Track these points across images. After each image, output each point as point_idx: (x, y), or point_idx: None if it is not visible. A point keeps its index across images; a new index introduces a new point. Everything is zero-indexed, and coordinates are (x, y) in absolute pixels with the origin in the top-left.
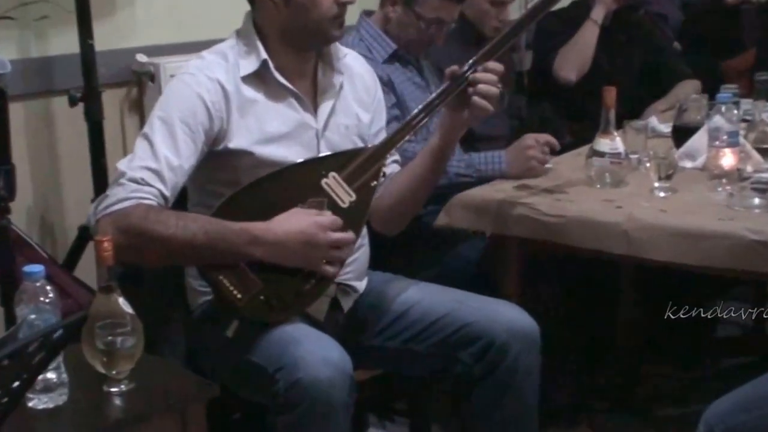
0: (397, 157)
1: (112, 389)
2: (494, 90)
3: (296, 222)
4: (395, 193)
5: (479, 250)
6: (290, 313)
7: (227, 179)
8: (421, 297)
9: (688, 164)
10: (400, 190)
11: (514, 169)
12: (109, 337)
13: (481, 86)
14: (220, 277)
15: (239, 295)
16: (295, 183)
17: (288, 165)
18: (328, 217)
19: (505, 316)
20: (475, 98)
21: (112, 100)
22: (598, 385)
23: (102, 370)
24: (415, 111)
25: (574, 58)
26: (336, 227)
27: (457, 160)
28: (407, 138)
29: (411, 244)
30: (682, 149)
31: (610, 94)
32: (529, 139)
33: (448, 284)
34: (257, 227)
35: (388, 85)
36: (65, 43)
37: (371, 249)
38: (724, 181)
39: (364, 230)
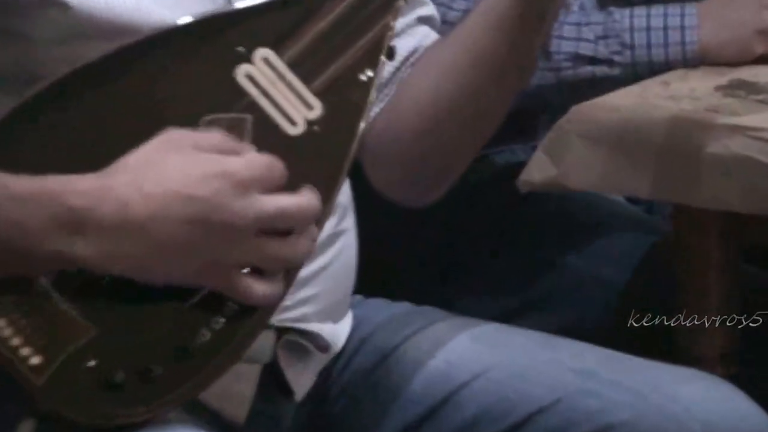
0: (429, 9)
1: None
2: None
3: (173, 170)
4: (432, 95)
5: (634, 251)
6: (162, 403)
7: (7, 69)
8: (489, 360)
9: None
10: (443, 87)
11: (719, 38)
12: None
13: None
14: None
15: (35, 359)
16: (172, 77)
17: (153, 33)
18: (249, 157)
19: (697, 404)
20: None
21: None
22: None
23: None
24: None
25: None
26: (271, 181)
27: (574, 23)
28: None
29: (461, 231)
30: None
31: None
32: None
33: (554, 329)
34: (79, 186)
35: None
36: None
37: (362, 244)
38: None
39: (346, 198)
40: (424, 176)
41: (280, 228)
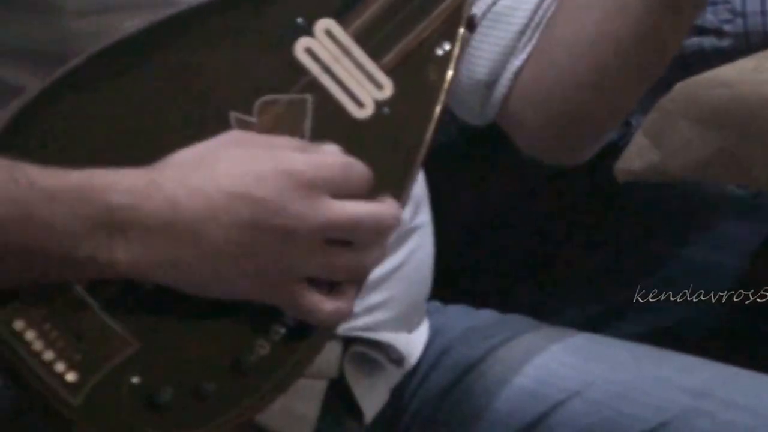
0: None
1: None
2: None
3: (229, 166)
4: (592, 39)
5: (752, 237)
6: (216, 424)
7: (30, 46)
8: (586, 377)
9: None
10: (605, 29)
11: None
12: None
13: None
14: (17, 324)
15: (70, 376)
16: (221, 54)
17: (198, 3)
18: (322, 155)
19: None
20: None
21: None
22: None
23: None
24: None
25: None
26: (347, 185)
27: None
28: None
29: (551, 225)
30: None
31: None
32: None
33: (663, 340)
34: (122, 181)
35: None
36: None
37: (439, 243)
38: None
39: (420, 189)
40: (582, 132)
41: (350, 233)
